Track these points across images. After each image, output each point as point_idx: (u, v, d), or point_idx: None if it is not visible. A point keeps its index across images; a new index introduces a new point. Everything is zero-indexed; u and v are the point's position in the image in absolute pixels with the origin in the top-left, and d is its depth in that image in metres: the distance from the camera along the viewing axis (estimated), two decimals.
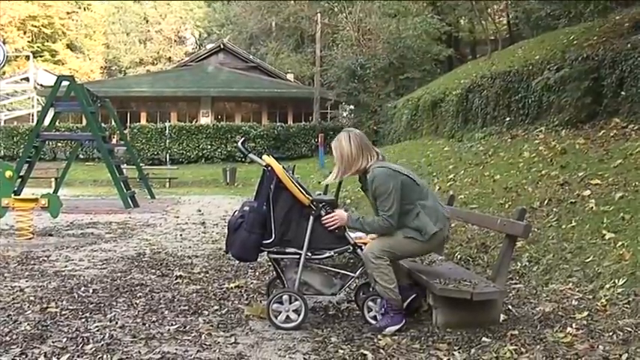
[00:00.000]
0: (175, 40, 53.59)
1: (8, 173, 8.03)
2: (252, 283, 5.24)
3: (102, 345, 3.46)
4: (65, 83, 13.08)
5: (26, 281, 5.24)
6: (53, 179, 18.59)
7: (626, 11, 10.90)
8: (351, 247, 3.91)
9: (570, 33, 12.54)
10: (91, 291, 4.85)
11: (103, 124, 17.13)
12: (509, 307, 4.21)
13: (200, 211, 11.99)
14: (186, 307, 4.36)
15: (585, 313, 3.90)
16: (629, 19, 10.00)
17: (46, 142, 17.46)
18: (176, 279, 5.38)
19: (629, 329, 3.52)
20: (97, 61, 48.87)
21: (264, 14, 35.07)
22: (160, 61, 51.85)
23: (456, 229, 6.40)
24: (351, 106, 28.52)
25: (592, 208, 5.64)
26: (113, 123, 20.24)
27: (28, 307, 4.32)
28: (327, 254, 3.90)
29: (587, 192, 6.08)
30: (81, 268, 5.93)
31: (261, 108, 31.89)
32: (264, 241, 3.86)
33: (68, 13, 46.28)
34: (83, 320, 4.00)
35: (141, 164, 17.64)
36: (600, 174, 6.45)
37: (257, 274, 5.63)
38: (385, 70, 25.27)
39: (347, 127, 4.23)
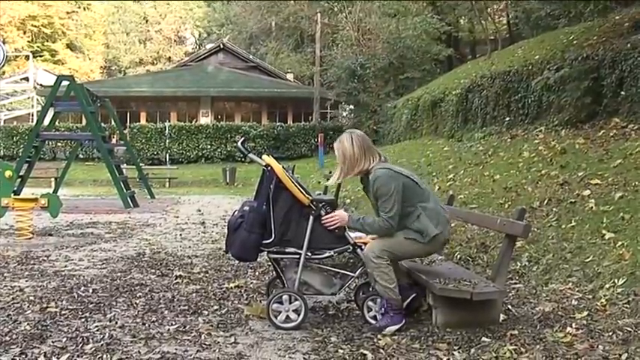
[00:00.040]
0: (175, 40, 53.61)
1: (8, 173, 8.03)
2: (251, 282, 5.24)
3: (102, 345, 3.46)
4: (65, 83, 13.07)
5: (26, 281, 5.24)
6: (53, 179, 18.61)
7: (626, 11, 10.89)
8: (351, 247, 3.91)
9: (570, 33, 12.53)
10: (90, 291, 4.85)
11: (102, 124, 17.14)
12: (509, 306, 4.22)
13: (200, 210, 11.99)
14: (186, 307, 4.36)
15: (585, 313, 3.91)
16: (629, 19, 10.00)
17: (46, 142, 17.44)
18: (176, 279, 5.38)
19: (629, 329, 3.52)
20: (96, 61, 48.86)
21: (264, 14, 35.09)
22: (160, 61, 51.88)
23: (455, 229, 6.40)
24: (351, 106, 28.51)
25: (592, 207, 5.64)
26: (113, 123, 20.24)
27: (28, 306, 4.32)
28: (326, 254, 3.90)
29: (587, 192, 6.08)
30: (81, 267, 5.93)
31: (261, 108, 31.89)
32: (264, 241, 3.86)
33: (68, 12, 46.24)
34: (83, 320, 4.00)
35: (140, 164, 17.64)
36: (600, 174, 6.45)
37: (257, 273, 5.63)
38: (385, 69, 25.27)
39: (349, 128, 4.24)
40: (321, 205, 3.87)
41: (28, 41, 42.07)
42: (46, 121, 14.81)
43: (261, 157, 3.92)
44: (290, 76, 35.82)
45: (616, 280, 4.24)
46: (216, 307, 4.37)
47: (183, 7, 52.54)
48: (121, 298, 4.64)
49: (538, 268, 5.06)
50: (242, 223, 3.88)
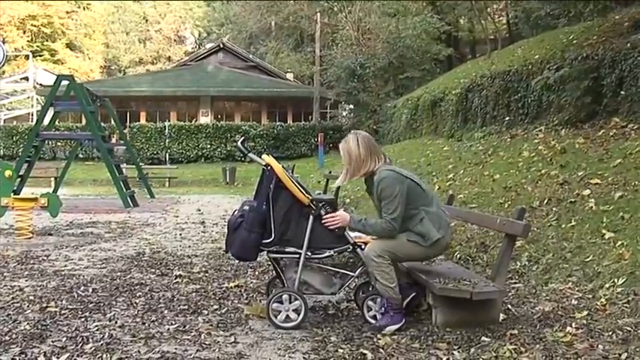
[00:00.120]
0: (175, 40, 53.62)
1: (8, 173, 8.03)
2: (251, 282, 5.24)
3: (101, 344, 3.46)
4: (65, 83, 13.06)
5: (26, 281, 5.24)
6: (53, 179, 18.61)
7: (626, 11, 10.89)
8: (351, 247, 3.92)
9: (570, 32, 12.53)
10: (90, 290, 4.85)
11: (102, 124, 17.12)
12: (509, 306, 4.22)
13: (200, 210, 11.99)
14: (186, 307, 4.36)
15: (585, 313, 3.90)
16: (629, 19, 10.00)
17: (46, 142, 17.45)
18: (176, 278, 5.38)
19: (629, 328, 3.52)
20: (96, 61, 48.85)
21: (264, 13, 35.11)
22: (160, 61, 51.89)
23: (455, 229, 6.39)
24: (351, 106, 28.52)
25: (592, 207, 5.64)
26: (113, 122, 20.23)
27: (28, 306, 4.32)
28: (326, 253, 3.90)
29: (587, 191, 6.08)
30: (80, 267, 5.93)
31: (261, 107, 31.89)
32: (264, 241, 3.86)
33: (68, 12, 46.23)
34: (83, 320, 4.00)
35: (140, 164, 17.64)
36: (600, 173, 6.45)
37: (257, 273, 5.63)
38: (385, 69, 25.26)
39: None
40: (320, 204, 3.87)
41: (28, 41, 42.07)
42: (46, 121, 14.81)
43: (260, 157, 3.92)
44: (290, 76, 35.82)
45: (616, 280, 4.24)
46: (216, 307, 4.37)
47: (183, 7, 52.56)
48: (121, 297, 4.64)
49: (538, 268, 5.06)
50: (242, 223, 3.89)
